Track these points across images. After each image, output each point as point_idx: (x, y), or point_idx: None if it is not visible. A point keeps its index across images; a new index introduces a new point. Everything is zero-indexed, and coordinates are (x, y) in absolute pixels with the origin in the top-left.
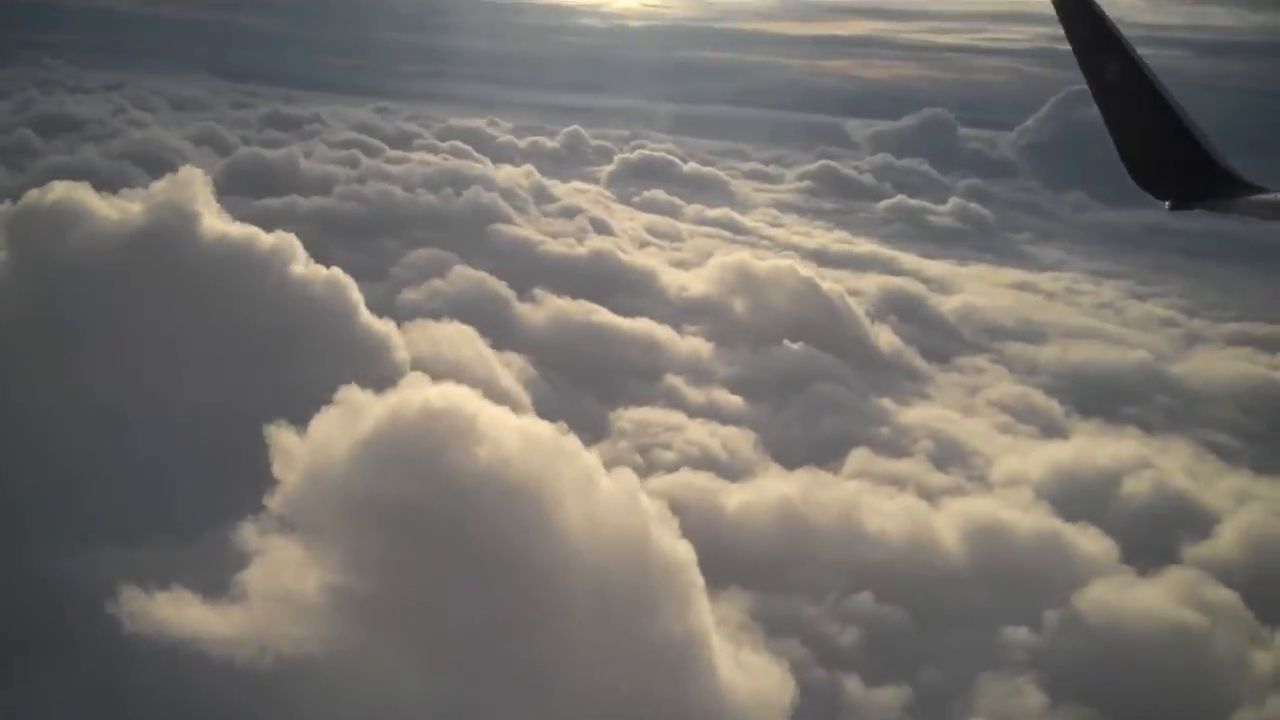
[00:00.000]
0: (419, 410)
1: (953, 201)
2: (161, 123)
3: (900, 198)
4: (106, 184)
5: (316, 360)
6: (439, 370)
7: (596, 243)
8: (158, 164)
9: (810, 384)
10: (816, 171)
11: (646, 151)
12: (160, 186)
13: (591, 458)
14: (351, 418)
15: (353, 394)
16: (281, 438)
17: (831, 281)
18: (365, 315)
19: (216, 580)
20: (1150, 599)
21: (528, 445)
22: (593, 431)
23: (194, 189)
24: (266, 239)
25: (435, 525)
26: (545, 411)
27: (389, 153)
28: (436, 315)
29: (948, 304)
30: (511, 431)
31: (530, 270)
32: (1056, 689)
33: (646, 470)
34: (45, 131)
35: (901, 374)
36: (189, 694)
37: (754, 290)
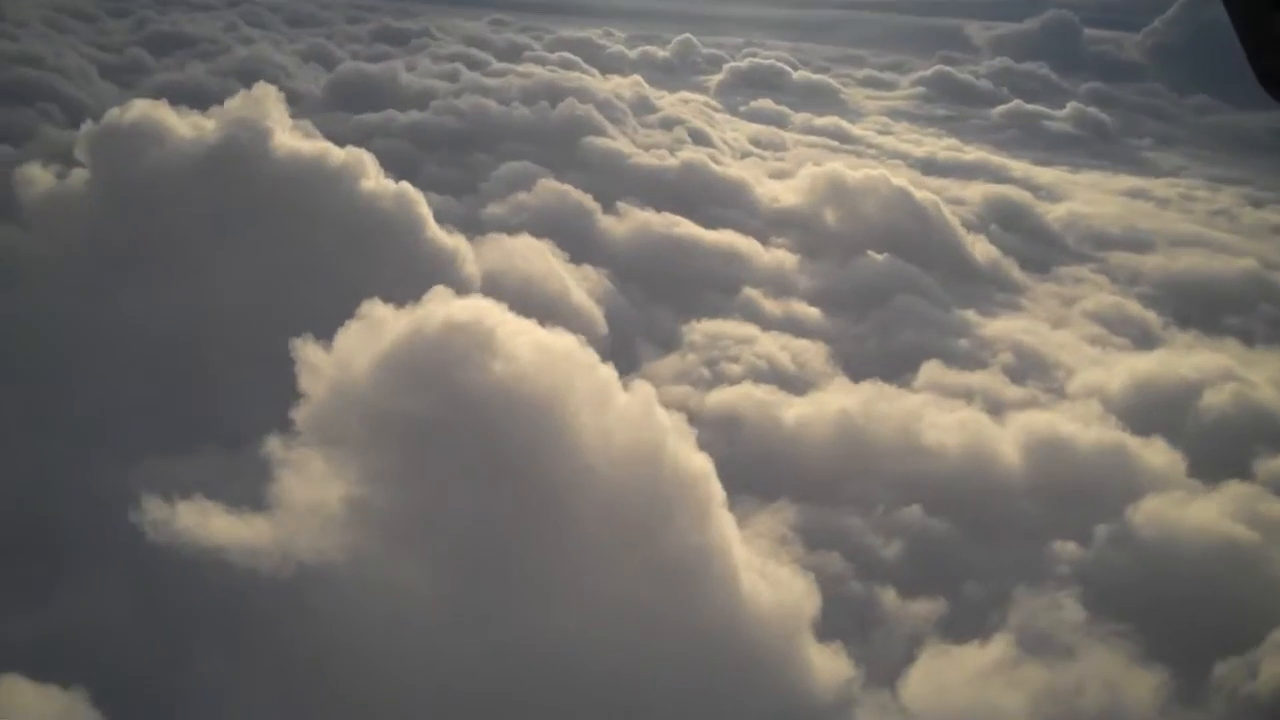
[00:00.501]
0: (439, 325)
1: (1070, 106)
2: (273, 39)
3: (1016, 103)
4: (212, 100)
5: (381, 275)
6: (509, 284)
7: (689, 154)
8: (262, 81)
9: (891, 296)
10: (931, 77)
11: (757, 60)
12: (234, 104)
13: (608, 371)
14: (375, 332)
15: (377, 308)
16: (309, 352)
17: (935, 190)
18: (434, 230)
19: (243, 492)
20: (1205, 514)
21: (544, 359)
22: (664, 344)
23: (267, 106)
24: (338, 154)
25: (450, 439)
26: (617, 324)
27: (494, 65)
28: (519, 229)
29: (1054, 212)
30: (529, 346)
31: (619, 183)
32: (1098, 604)
33: (713, 382)
34: (157, 49)
35: (994, 285)
36: (213, 602)
37: (845, 200)
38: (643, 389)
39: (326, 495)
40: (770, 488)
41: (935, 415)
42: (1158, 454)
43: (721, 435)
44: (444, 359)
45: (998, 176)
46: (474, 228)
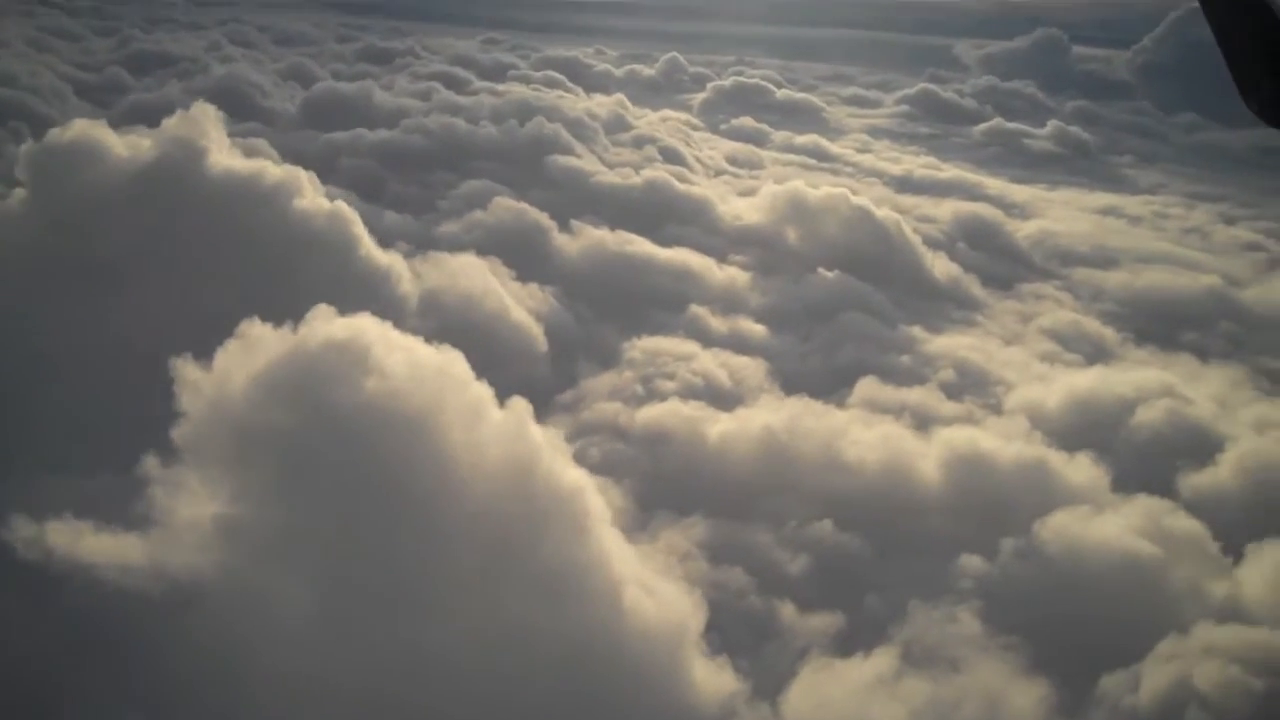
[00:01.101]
0: (316, 343)
1: (1051, 124)
2: (256, 58)
3: (997, 121)
4: None
5: (308, 294)
6: (447, 303)
7: (653, 173)
8: (236, 99)
9: (838, 313)
10: (916, 96)
11: (741, 78)
12: (171, 124)
13: (482, 389)
14: (253, 351)
15: (255, 327)
16: (189, 371)
17: (908, 208)
18: (368, 249)
19: (119, 511)
20: (1109, 529)
21: (417, 376)
22: (604, 361)
23: (205, 125)
24: (273, 173)
25: (319, 455)
26: (559, 341)
27: (475, 84)
28: (470, 247)
29: (1024, 230)
30: (404, 363)
31: (580, 200)
32: (994, 618)
33: (645, 399)
34: (137, 69)
35: (952, 302)
36: (83, 619)
37: (805, 218)
38: (518, 405)
39: (200, 513)
40: (687, 503)
41: (860, 431)
42: (1080, 470)
43: (647, 451)
44: (317, 377)
45: (972, 194)
46: (427, 245)
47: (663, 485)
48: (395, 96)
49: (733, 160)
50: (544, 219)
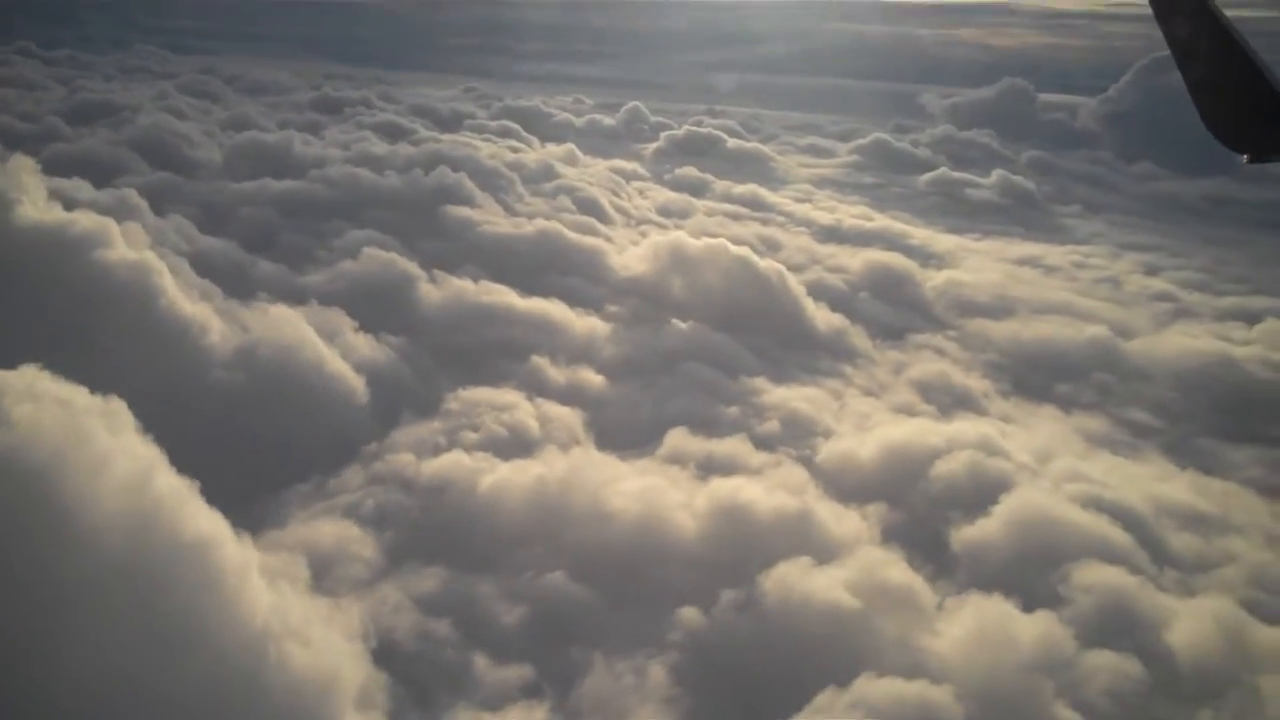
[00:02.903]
0: None
1: (996, 174)
2: (206, 108)
3: (942, 170)
4: (103, 169)
5: (91, 346)
6: (261, 354)
7: (547, 223)
8: (157, 149)
9: (680, 364)
10: (868, 145)
11: (695, 128)
12: None
13: (111, 442)
14: None
15: None
16: None
17: (824, 257)
18: (173, 300)
19: None
20: (825, 582)
21: (37, 429)
22: (424, 412)
23: (20, 177)
24: (81, 224)
25: None
26: (387, 392)
27: (420, 134)
28: (330, 297)
29: (933, 280)
30: (26, 416)
31: (464, 250)
32: (685, 670)
33: (443, 449)
34: (77, 119)
35: (826, 352)
36: None
37: (686, 269)
38: (147, 454)
39: None
40: (436, 553)
41: (635, 483)
42: (847, 522)
43: (421, 502)
44: None
45: (894, 244)
46: (289, 295)
47: (423, 536)
48: (324, 147)
49: (664, 210)
50: (413, 269)
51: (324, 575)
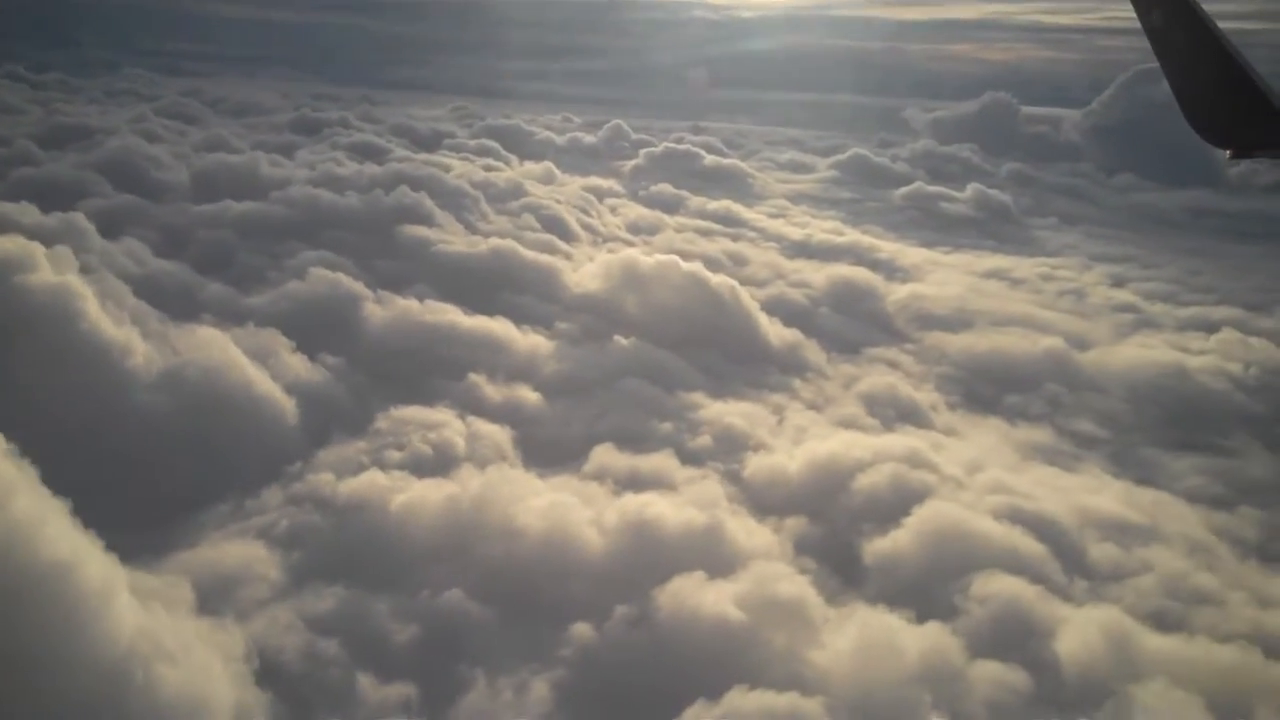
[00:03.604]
0: None
1: (971, 188)
2: (182, 129)
3: (918, 185)
4: (68, 195)
5: (7, 372)
6: (188, 376)
7: (502, 242)
8: (122, 172)
9: (618, 381)
10: (847, 161)
11: (673, 145)
12: None
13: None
14: None
15: None
16: None
17: (791, 272)
18: (92, 324)
19: None
20: (718, 595)
21: None
22: (351, 432)
23: None
24: (4, 248)
25: None
26: (319, 412)
27: (396, 153)
28: (272, 318)
29: (896, 294)
30: None
31: (417, 270)
32: (568, 686)
33: (364, 468)
34: (49, 142)
35: (776, 367)
36: None
37: (638, 286)
38: (9, 476)
39: None
40: (339, 573)
41: (545, 499)
42: (759, 535)
43: (335, 522)
44: None
45: (861, 258)
46: (232, 317)
47: (330, 555)
48: (295, 168)
49: (634, 227)
50: (360, 289)
51: (224, 596)
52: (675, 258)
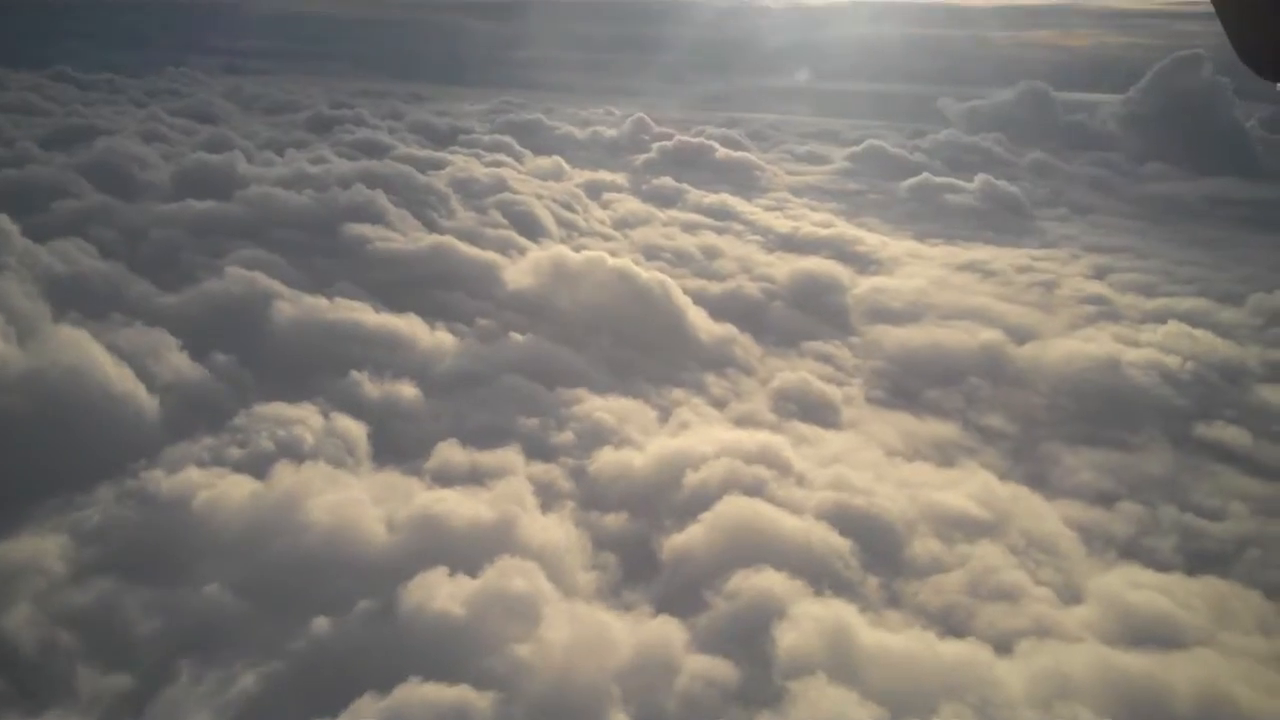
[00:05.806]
0: None
1: (979, 179)
2: (186, 128)
3: (924, 176)
4: (42, 196)
5: None
6: (50, 376)
7: (438, 238)
8: (106, 172)
9: (500, 377)
10: (861, 152)
11: (686, 138)
12: None
13: None
14: None
15: None
16: None
17: (762, 264)
18: None
19: None
20: (452, 590)
21: None
22: (209, 429)
23: None
24: None
25: None
26: (178, 411)
27: (400, 150)
28: (178, 317)
29: (860, 287)
30: None
31: (347, 268)
32: (277, 678)
33: (206, 464)
34: (52, 144)
35: (695, 363)
36: None
37: (568, 282)
38: None
39: None
40: (117, 567)
41: (347, 495)
42: (554, 531)
43: (151, 517)
44: None
45: (839, 251)
46: (148, 317)
47: (123, 550)
48: (284, 166)
49: (622, 222)
50: (276, 287)
51: None
52: (603, 254)
